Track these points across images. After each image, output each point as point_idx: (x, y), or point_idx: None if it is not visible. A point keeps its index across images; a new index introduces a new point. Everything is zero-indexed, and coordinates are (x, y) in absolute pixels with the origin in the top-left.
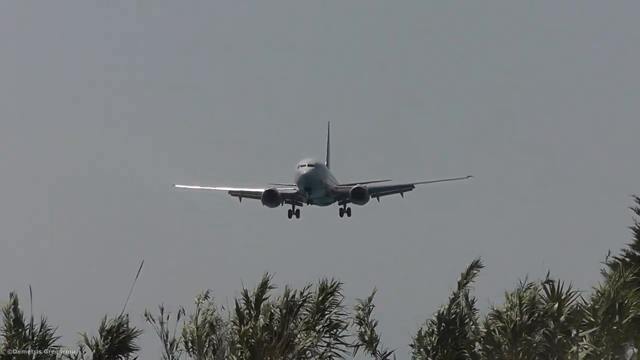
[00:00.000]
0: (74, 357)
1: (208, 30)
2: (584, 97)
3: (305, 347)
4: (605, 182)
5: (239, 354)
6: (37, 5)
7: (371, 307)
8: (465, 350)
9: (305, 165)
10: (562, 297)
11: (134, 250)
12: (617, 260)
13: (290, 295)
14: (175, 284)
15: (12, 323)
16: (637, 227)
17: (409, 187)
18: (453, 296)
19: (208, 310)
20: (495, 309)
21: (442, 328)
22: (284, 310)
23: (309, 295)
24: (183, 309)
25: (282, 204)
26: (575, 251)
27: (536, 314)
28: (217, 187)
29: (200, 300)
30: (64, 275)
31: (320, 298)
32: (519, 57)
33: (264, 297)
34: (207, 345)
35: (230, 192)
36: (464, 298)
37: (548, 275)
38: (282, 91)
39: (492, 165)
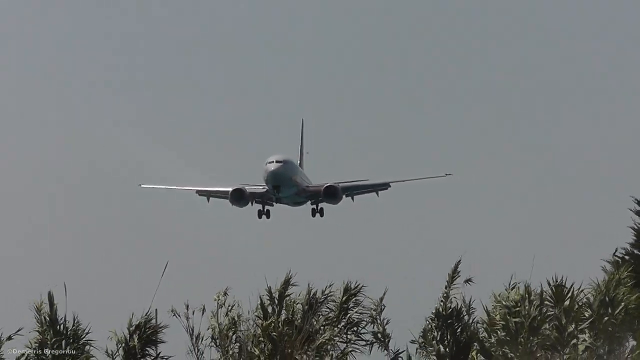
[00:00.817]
0: (110, 353)
1: (208, 30)
2: (584, 97)
3: (324, 341)
4: (605, 182)
5: (262, 346)
6: (37, 5)
7: (383, 306)
8: (474, 342)
9: (273, 162)
10: (574, 293)
11: (133, 250)
12: (617, 258)
13: (312, 293)
14: (173, 283)
15: (45, 319)
16: (636, 227)
17: (385, 186)
18: (445, 294)
19: (229, 305)
20: (505, 303)
21: (440, 324)
22: (306, 307)
23: (330, 293)
24: (204, 307)
25: (252, 204)
26: (574, 250)
27: (545, 309)
28: (184, 186)
29: (220, 297)
30: (62, 275)
31: (344, 298)
32: (519, 57)
33: (286, 293)
34: (233, 340)
35: (197, 191)
36: (462, 296)
37: (530, 270)
38: (281, 91)
39: (491, 165)
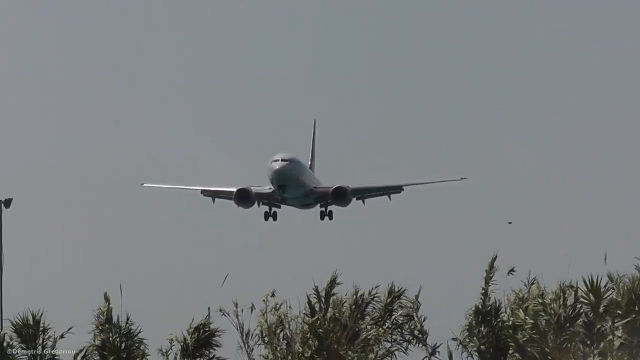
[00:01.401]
0: (164, 351)
1: (208, 30)
2: (584, 97)
3: (369, 337)
4: (605, 182)
5: (309, 343)
6: (37, 5)
7: (419, 304)
8: (509, 340)
9: (278, 160)
10: (602, 291)
11: (134, 251)
12: None
13: (359, 294)
14: (176, 285)
15: (104, 319)
16: None
17: (398, 188)
18: (484, 291)
19: (276, 305)
20: (540, 300)
21: (479, 320)
22: (353, 306)
23: (377, 294)
24: (253, 305)
25: (259, 205)
26: (576, 250)
27: (578, 307)
28: (189, 186)
29: (268, 298)
30: (63, 275)
31: (388, 300)
32: (519, 57)
33: (332, 292)
34: (281, 338)
35: (202, 191)
36: (504, 293)
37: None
38: (281, 91)
39: (492, 165)
